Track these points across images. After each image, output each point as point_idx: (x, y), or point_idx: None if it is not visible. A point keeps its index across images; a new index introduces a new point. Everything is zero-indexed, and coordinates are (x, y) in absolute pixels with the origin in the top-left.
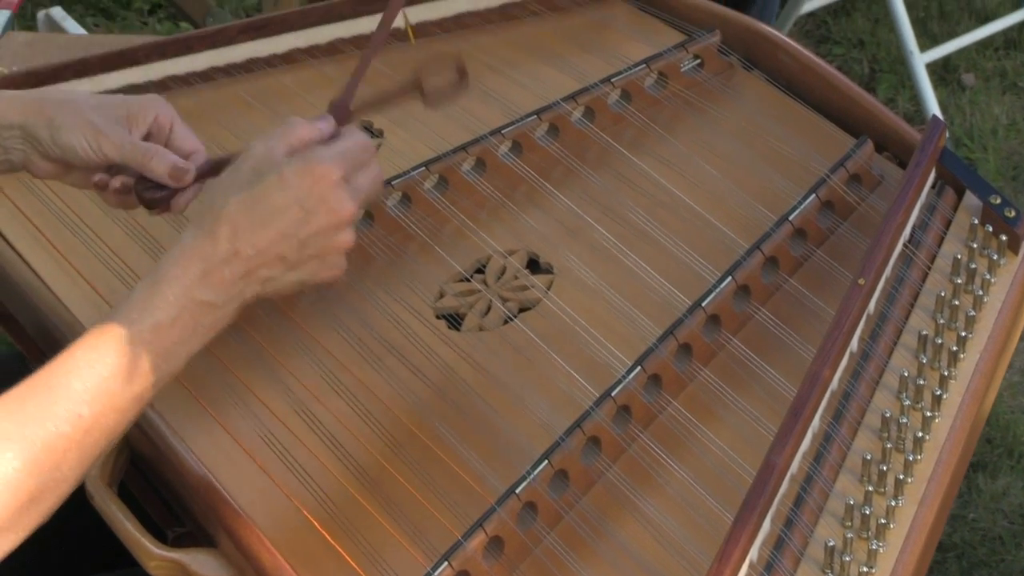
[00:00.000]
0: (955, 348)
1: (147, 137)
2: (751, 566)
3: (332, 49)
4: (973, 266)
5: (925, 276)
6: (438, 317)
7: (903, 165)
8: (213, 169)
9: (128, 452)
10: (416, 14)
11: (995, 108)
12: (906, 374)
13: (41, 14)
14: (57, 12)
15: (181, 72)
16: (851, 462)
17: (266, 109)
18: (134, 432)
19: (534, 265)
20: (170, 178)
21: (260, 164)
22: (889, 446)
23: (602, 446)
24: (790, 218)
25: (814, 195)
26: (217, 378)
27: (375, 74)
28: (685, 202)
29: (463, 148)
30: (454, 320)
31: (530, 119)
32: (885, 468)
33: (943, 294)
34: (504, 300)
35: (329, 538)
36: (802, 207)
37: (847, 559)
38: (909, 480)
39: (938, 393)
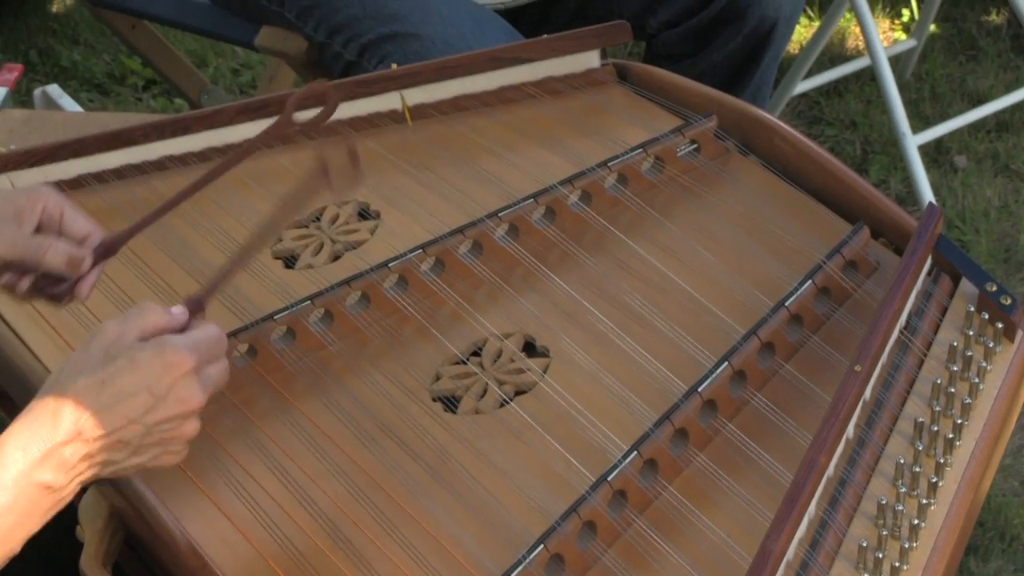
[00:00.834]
0: (951, 435)
1: (39, 229)
2: None
3: (329, 131)
4: (969, 353)
5: (921, 363)
6: (434, 399)
7: (899, 251)
8: (109, 249)
9: (123, 533)
10: (412, 96)
11: (987, 190)
12: (902, 461)
13: (37, 91)
14: (53, 89)
15: (178, 152)
16: (847, 549)
17: (262, 189)
18: (128, 511)
19: (530, 348)
20: (68, 269)
21: (111, 346)
22: (885, 533)
23: (598, 531)
24: (786, 304)
25: (810, 281)
26: (211, 459)
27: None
28: (681, 287)
29: (460, 231)
30: (450, 403)
31: (527, 202)
32: (881, 555)
33: (939, 381)
34: (500, 383)
35: None
36: (798, 293)
37: None
38: (905, 567)
39: (934, 480)
